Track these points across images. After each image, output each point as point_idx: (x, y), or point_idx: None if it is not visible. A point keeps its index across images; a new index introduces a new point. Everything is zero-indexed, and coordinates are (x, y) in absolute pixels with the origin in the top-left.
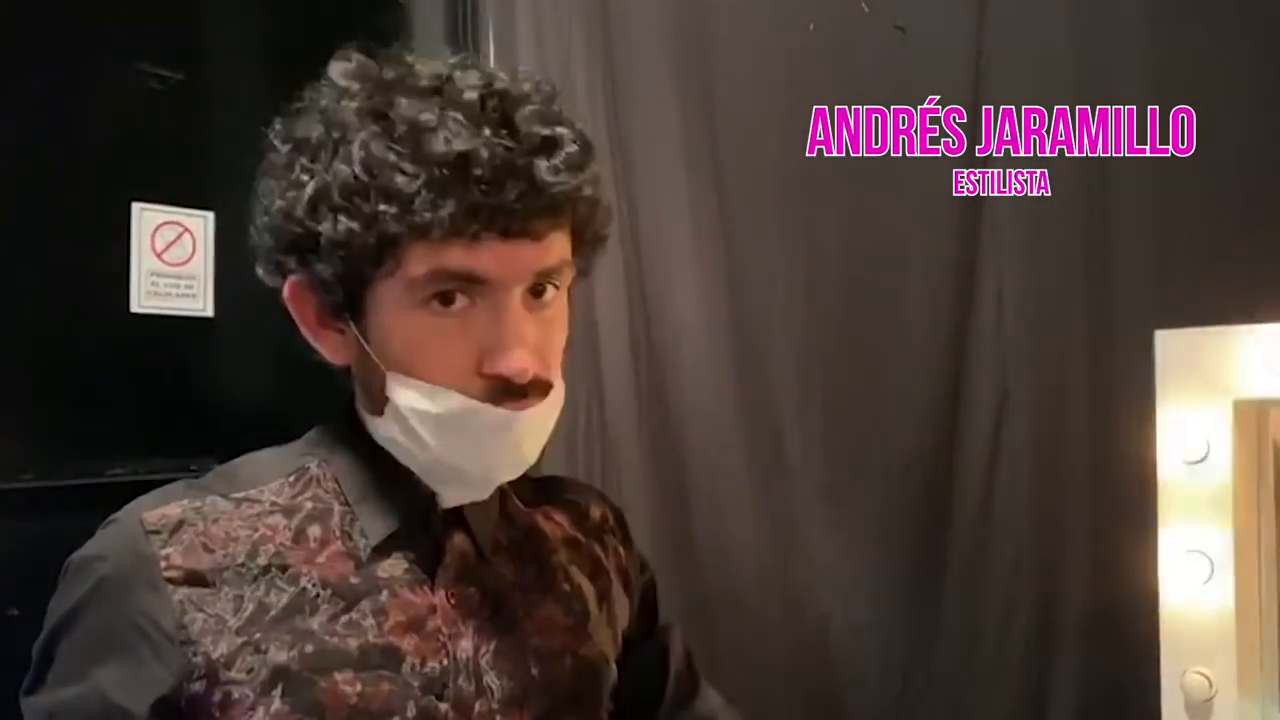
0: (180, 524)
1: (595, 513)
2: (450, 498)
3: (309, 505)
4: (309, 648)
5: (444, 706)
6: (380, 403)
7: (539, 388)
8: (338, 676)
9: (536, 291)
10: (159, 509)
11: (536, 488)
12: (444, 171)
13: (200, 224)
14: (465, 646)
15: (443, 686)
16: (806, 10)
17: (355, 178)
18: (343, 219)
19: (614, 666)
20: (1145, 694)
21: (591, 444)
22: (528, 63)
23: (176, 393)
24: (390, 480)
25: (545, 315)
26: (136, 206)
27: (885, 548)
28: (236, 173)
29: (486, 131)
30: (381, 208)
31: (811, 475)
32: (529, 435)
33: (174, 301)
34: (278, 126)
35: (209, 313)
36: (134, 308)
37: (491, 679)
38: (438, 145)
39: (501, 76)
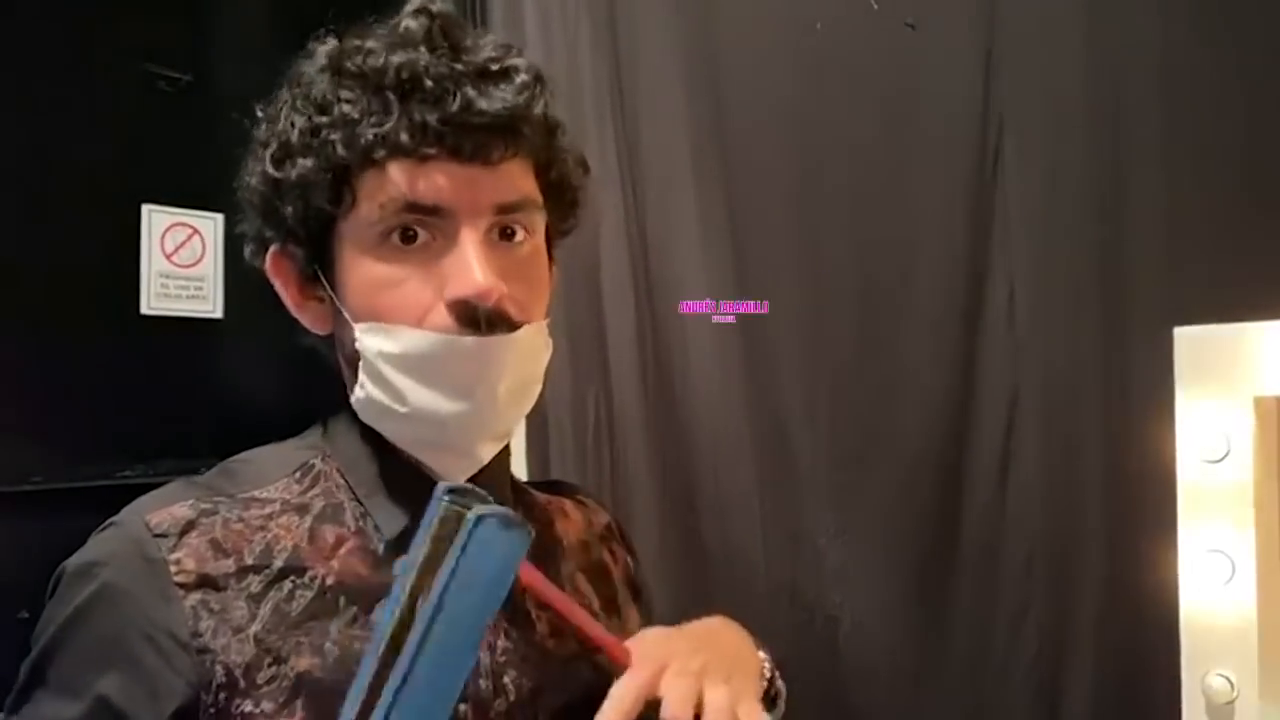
0: (189, 525)
1: (601, 519)
2: (446, 469)
3: (320, 503)
4: (331, 655)
5: (463, 707)
6: (356, 364)
7: (508, 323)
8: None
9: (506, 233)
10: (164, 510)
11: (548, 487)
12: (387, 92)
13: (210, 226)
14: (483, 645)
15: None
16: (814, 8)
17: (310, 119)
18: (299, 160)
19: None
20: (1165, 697)
21: (600, 445)
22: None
23: (187, 394)
24: (396, 471)
25: (514, 256)
26: (146, 208)
27: (894, 549)
28: None
29: (428, 51)
30: (331, 138)
31: (819, 476)
32: (503, 369)
33: (184, 303)
34: (258, 115)
35: (218, 314)
36: (144, 309)
37: (509, 679)
38: (377, 63)
39: (424, 6)
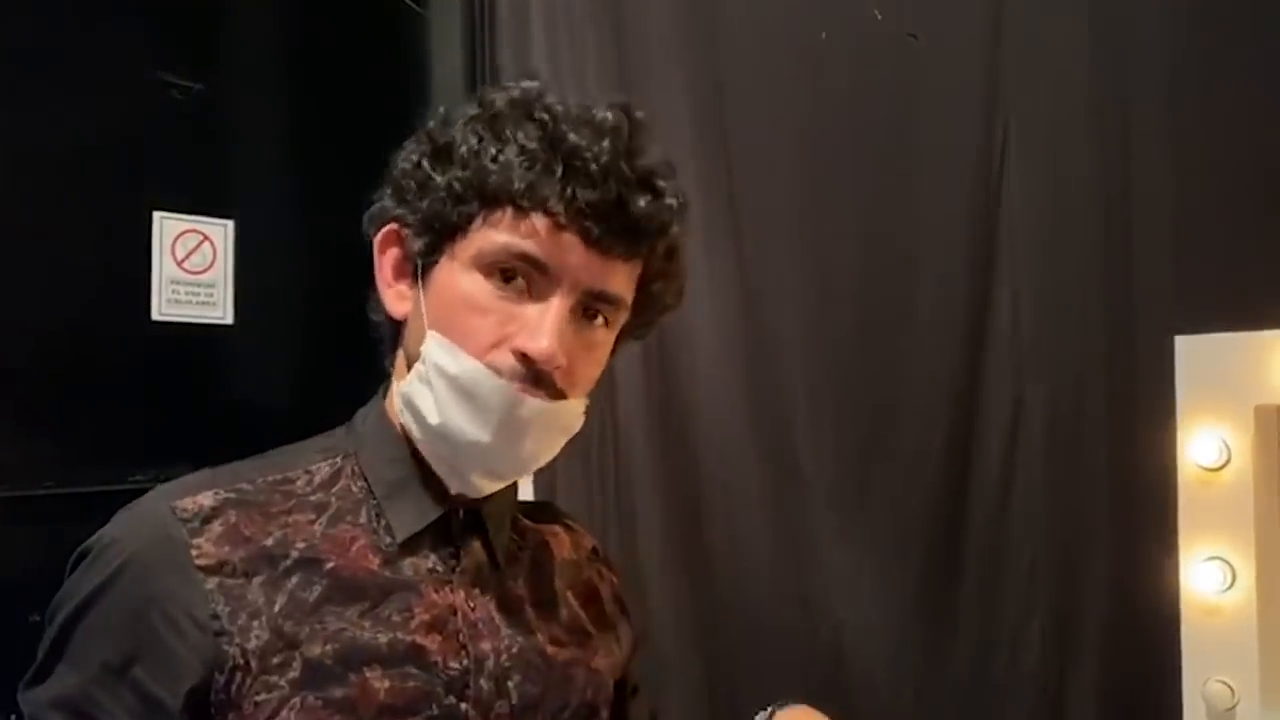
0: (212, 513)
1: (588, 543)
2: (452, 485)
3: (337, 502)
4: (342, 642)
5: (465, 707)
6: (414, 360)
7: (552, 389)
8: (368, 673)
9: (589, 314)
10: (189, 496)
11: (537, 510)
12: (555, 154)
13: (220, 232)
14: (485, 649)
15: (464, 687)
16: (819, 18)
17: (482, 143)
18: (456, 170)
19: (617, 683)
20: (1166, 704)
21: (605, 451)
22: (541, 72)
23: (197, 400)
24: (415, 481)
25: (586, 338)
26: (157, 215)
27: (898, 554)
28: (256, 182)
29: (608, 143)
30: (491, 166)
31: (824, 481)
32: (529, 427)
33: (194, 309)
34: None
35: (229, 320)
36: (154, 315)
37: (512, 683)
38: (560, 134)
39: (628, 105)
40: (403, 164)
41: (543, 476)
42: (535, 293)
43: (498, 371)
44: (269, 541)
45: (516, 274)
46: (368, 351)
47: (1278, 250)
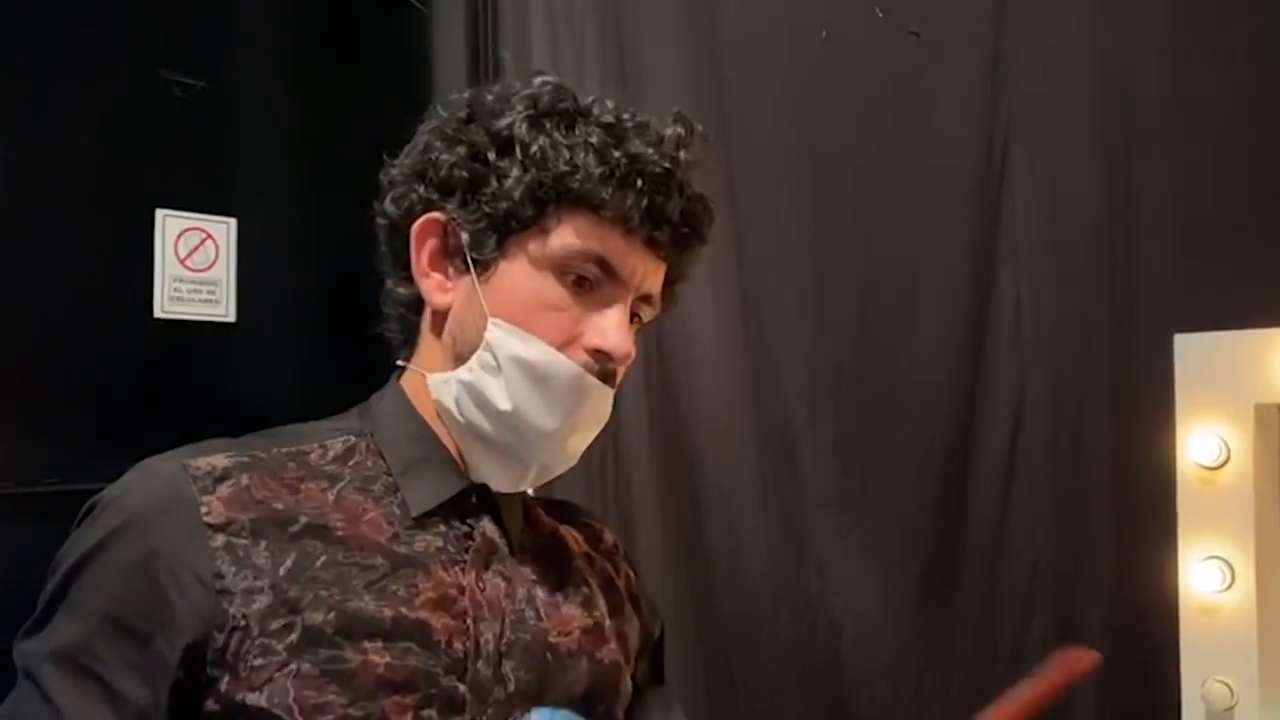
0: (225, 473)
1: (608, 538)
2: (490, 473)
3: (351, 473)
4: (345, 611)
5: (463, 689)
6: (469, 350)
7: (613, 381)
8: (368, 645)
9: (633, 315)
10: (203, 457)
11: (552, 506)
12: (633, 166)
13: (223, 230)
14: (488, 633)
15: (464, 669)
16: (820, 16)
17: (553, 144)
18: (533, 170)
19: (629, 679)
20: (1165, 703)
21: (604, 447)
22: (544, 69)
23: (199, 397)
24: (434, 459)
25: (630, 333)
26: (160, 213)
27: (898, 553)
28: (259, 179)
29: (671, 153)
30: (567, 169)
31: (824, 480)
32: (593, 414)
33: (197, 307)
34: (456, 98)
35: (231, 318)
36: (157, 313)
37: (510, 669)
38: (632, 143)
39: (690, 123)
40: (446, 155)
41: None
42: (601, 294)
43: (579, 364)
44: (280, 505)
45: (589, 279)
46: (369, 349)
47: (1277, 249)
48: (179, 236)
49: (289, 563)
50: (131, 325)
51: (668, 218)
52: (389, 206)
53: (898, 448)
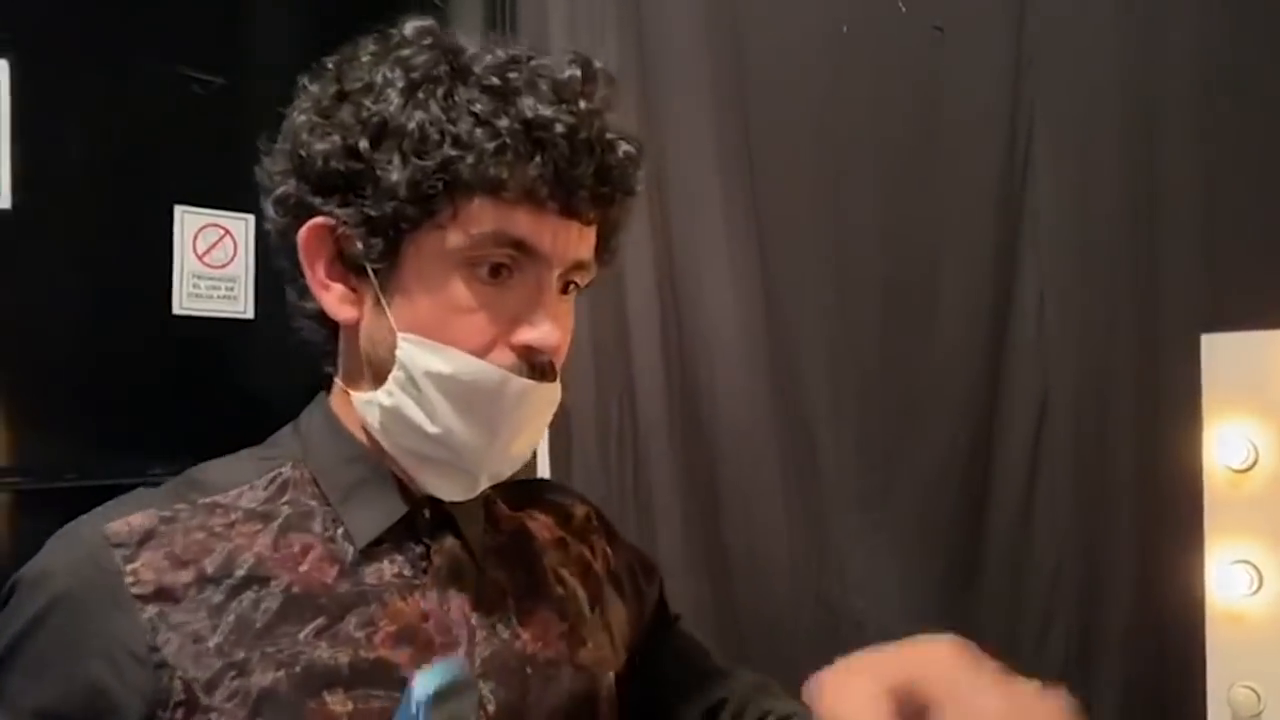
0: (148, 535)
1: (579, 512)
2: (440, 488)
3: (287, 510)
4: (296, 667)
5: None
6: (384, 369)
7: (553, 374)
8: (328, 698)
9: (566, 287)
10: (122, 519)
11: (516, 491)
12: (528, 132)
13: (241, 226)
14: (460, 656)
15: None
16: (842, 10)
17: (432, 122)
18: (413, 159)
19: (612, 676)
20: (1190, 709)
21: (624, 448)
22: None
23: (217, 394)
24: (374, 480)
25: (566, 308)
26: (179, 209)
27: (920, 555)
28: None
29: (571, 105)
30: (454, 153)
31: (845, 481)
32: (534, 415)
33: (215, 303)
34: (328, 67)
35: (249, 315)
36: (175, 310)
37: (488, 690)
38: (524, 103)
39: (586, 59)
40: (319, 145)
41: (558, 477)
42: (521, 279)
43: (504, 368)
44: (212, 561)
45: (505, 266)
46: None
47: None
48: (198, 233)
49: (229, 623)
50: (150, 321)
51: (581, 182)
52: (270, 210)
53: (920, 448)
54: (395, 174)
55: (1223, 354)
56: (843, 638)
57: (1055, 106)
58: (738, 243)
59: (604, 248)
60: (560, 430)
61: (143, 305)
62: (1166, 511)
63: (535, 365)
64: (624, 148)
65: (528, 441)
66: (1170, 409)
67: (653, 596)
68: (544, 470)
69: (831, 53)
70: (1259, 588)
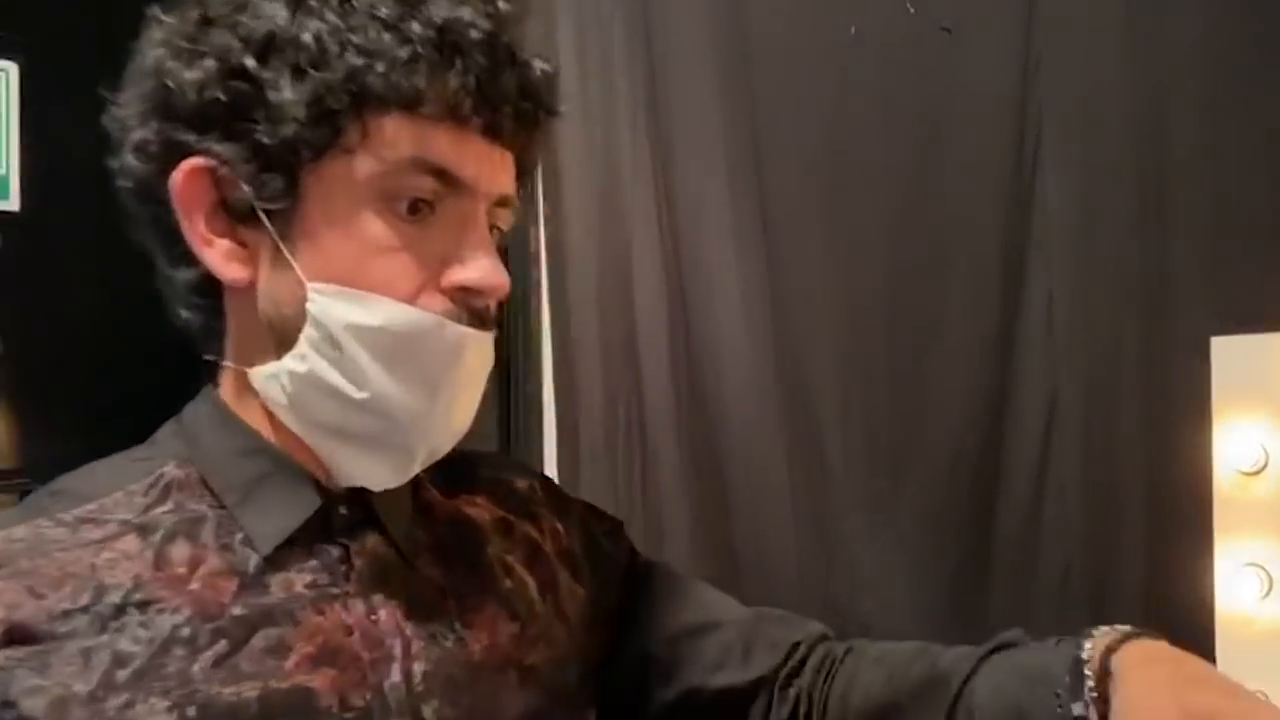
0: None
1: (521, 486)
2: (369, 474)
3: (170, 519)
4: (190, 708)
5: None
6: (292, 332)
7: (491, 323)
8: None
9: (490, 227)
10: None
11: (448, 472)
12: (442, 38)
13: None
14: (394, 674)
15: None
16: (849, 13)
17: (331, 31)
18: (312, 72)
19: (575, 671)
20: None
21: (631, 449)
22: (568, 67)
23: None
24: (278, 474)
25: (496, 249)
26: None
27: (929, 556)
28: None
29: (487, 9)
30: (360, 62)
31: (853, 482)
32: (475, 370)
33: None
34: None
35: None
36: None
37: (429, 710)
38: (436, 6)
39: None
40: (190, 75)
41: (565, 479)
42: (444, 217)
43: (438, 314)
44: (78, 588)
45: (427, 200)
46: None
47: None
48: None
49: (104, 662)
50: (158, 323)
51: (506, 97)
52: (129, 160)
53: (928, 449)
54: (290, 92)
55: (1233, 356)
56: (852, 637)
57: (1063, 107)
58: (745, 243)
59: (521, 185)
60: (568, 433)
61: (151, 307)
62: (1176, 513)
63: (473, 311)
64: (540, 64)
65: (467, 406)
66: (1180, 411)
67: (621, 557)
68: (551, 466)
69: (839, 54)
70: (1269, 592)
